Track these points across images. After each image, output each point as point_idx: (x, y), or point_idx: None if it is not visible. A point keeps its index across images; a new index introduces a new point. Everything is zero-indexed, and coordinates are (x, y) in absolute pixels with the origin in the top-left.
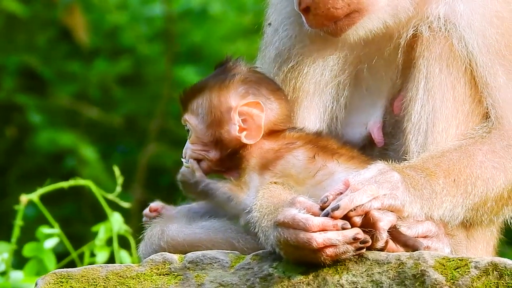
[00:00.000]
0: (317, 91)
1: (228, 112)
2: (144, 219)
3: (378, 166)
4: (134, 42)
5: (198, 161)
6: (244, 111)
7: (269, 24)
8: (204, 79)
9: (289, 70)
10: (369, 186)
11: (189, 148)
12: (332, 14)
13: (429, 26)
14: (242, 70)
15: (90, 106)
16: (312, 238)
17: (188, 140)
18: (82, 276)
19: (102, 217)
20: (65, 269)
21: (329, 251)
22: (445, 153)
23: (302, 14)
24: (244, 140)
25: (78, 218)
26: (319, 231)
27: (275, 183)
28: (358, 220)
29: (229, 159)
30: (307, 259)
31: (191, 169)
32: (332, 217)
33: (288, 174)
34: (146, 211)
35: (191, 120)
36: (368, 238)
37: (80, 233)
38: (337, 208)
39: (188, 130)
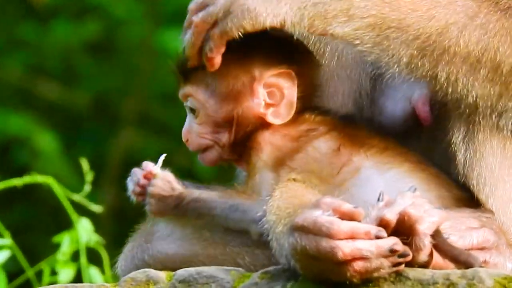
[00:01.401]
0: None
1: (250, 82)
2: (128, 179)
3: None
4: (104, 0)
5: (204, 149)
6: (272, 83)
7: None
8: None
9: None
10: None
11: (195, 132)
12: None
13: None
14: (267, 30)
15: (48, 82)
16: (337, 247)
17: (189, 122)
18: None
19: (64, 225)
20: None
21: (358, 266)
22: None
23: None
24: (270, 119)
25: (32, 226)
26: (347, 238)
27: (294, 180)
28: (392, 217)
29: (243, 145)
30: (329, 275)
31: (164, 180)
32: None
33: (309, 170)
34: (137, 170)
35: (197, 93)
36: (408, 250)
37: (35, 246)
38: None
39: (191, 109)
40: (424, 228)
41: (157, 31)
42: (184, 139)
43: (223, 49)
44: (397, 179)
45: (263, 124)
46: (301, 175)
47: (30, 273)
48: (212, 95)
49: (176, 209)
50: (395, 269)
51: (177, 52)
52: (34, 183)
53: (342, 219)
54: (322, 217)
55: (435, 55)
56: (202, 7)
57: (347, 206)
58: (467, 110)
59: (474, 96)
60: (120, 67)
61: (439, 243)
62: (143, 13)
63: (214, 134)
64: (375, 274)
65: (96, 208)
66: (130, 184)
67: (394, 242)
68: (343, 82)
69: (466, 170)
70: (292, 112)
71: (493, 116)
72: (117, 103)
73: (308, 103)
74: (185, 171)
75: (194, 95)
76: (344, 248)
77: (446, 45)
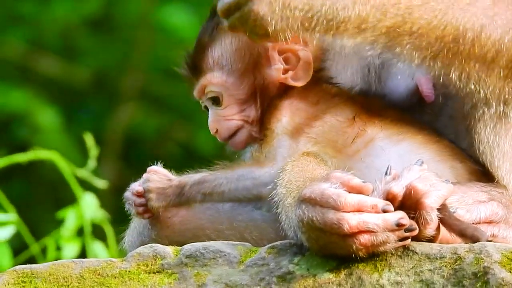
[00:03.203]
0: None
1: (265, 51)
2: (127, 205)
3: None
4: None
5: (234, 132)
6: (286, 48)
7: None
8: (208, 25)
9: None
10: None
11: (222, 118)
12: None
13: None
14: None
15: (48, 58)
16: (344, 219)
17: (213, 113)
18: (50, 274)
19: (68, 200)
20: (28, 266)
21: (364, 239)
22: None
23: None
24: (292, 82)
25: (35, 201)
26: (354, 211)
27: (307, 154)
28: (398, 190)
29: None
30: (335, 248)
31: (158, 173)
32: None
33: (326, 139)
34: (128, 194)
35: (214, 78)
36: (414, 224)
37: (39, 221)
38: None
39: (212, 100)
40: (431, 202)
41: (156, 6)
42: (212, 132)
43: None
44: (410, 150)
45: (285, 91)
46: (317, 146)
47: (34, 248)
48: (230, 74)
49: (179, 198)
50: (401, 243)
51: (181, 55)
52: (37, 159)
53: (350, 192)
54: (330, 189)
55: (449, 57)
56: None
57: (356, 181)
58: (474, 100)
59: (486, 91)
60: (120, 43)
61: (445, 217)
62: None
63: (241, 113)
64: (381, 248)
65: (101, 183)
66: (131, 209)
67: (400, 216)
68: (352, 58)
69: (478, 145)
70: (311, 73)
71: (502, 106)
72: (117, 79)
73: (321, 65)
74: (184, 146)
75: (212, 80)
76: (351, 221)
77: (461, 49)
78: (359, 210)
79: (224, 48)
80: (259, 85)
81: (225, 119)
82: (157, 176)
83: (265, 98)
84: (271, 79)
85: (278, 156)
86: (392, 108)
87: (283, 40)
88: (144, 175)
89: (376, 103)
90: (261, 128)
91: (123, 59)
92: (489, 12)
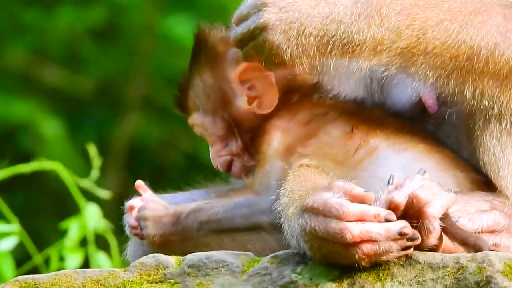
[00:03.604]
0: None
1: (228, 86)
2: (126, 227)
3: None
4: None
5: (229, 166)
6: (246, 77)
7: None
8: (186, 70)
9: None
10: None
11: (214, 155)
12: None
13: None
14: (222, 33)
15: (52, 67)
16: (346, 229)
17: (210, 150)
18: (53, 285)
19: (71, 211)
20: (31, 276)
21: (367, 248)
22: None
23: None
24: (258, 111)
25: (38, 212)
26: (356, 220)
27: (307, 166)
28: (401, 199)
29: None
30: (338, 258)
31: (154, 201)
32: (390, 202)
33: (323, 154)
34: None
35: (196, 119)
36: (417, 234)
37: (42, 232)
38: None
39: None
40: (433, 211)
41: (160, 16)
42: (215, 167)
43: None
44: (413, 159)
45: (267, 116)
46: (315, 160)
47: (38, 259)
48: (205, 114)
49: (175, 226)
50: (404, 252)
51: (173, 94)
52: (41, 169)
53: (353, 202)
54: (332, 199)
55: (463, 74)
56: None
57: (358, 190)
58: (488, 116)
59: (500, 107)
60: (124, 52)
61: (448, 226)
62: None
63: (226, 148)
64: (384, 258)
65: (104, 193)
66: (129, 230)
67: (403, 225)
68: (355, 68)
69: (482, 156)
70: (277, 97)
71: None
72: (121, 88)
73: (305, 78)
74: (188, 155)
75: (194, 122)
76: (353, 230)
77: (475, 66)
78: (361, 220)
79: (196, 90)
80: (232, 119)
81: (217, 156)
82: (154, 204)
83: (242, 130)
84: (240, 111)
85: (273, 181)
86: (394, 117)
87: (300, 67)
88: (140, 205)
89: (376, 113)
90: (253, 155)
91: (127, 68)
92: (502, 29)
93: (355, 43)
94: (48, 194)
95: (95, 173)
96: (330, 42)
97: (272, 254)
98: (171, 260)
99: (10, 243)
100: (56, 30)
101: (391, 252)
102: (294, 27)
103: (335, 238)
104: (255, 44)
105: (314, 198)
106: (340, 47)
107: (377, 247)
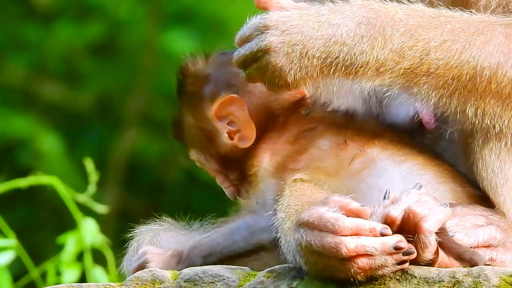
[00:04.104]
0: None
1: (209, 124)
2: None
3: None
4: (107, 1)
5: (237, 194)
6: (223, 114)
7: None
8: (175, 109)
9: None
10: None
11: (222, 186)
12: None
13: None
14: (197, 68)
15: (51, 83)
16: (342, 243)
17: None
18: None
19: (69, 225)
20: None
21: (362, 262)
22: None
23: None
24: (240, 145)
25: (36, 226)
26: (352, 235)
27: (302, 180)
28: (397, 214)
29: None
30: (334, 272)
31: (152, 253)
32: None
33: (314, 167)
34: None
35: (193, 155)
36: (413, 248)
37: (39, 246)
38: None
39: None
40: (429, 226)
41: (159, 31)
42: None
43: None
44: (412, 171)
45: (258, 138)
46: (307, 174)
47: (34, 273)
48: (199, 151)
49: (180, 266)
50: (399, 267)
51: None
52: (38, 184)
53: (349, 216)
54: (328, 213)
55: (465, 94)
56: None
57: (354, 204)
58: (489, 135)
59: (502, 126)
60: (122, 68)
61: (444, 240)
62: (146, 14)
63: (227, 180)
64: (380, 272)
65: (101, 208)
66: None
67: (398, 239)
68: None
69: (480, 172)
70: (254, 128)
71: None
72: (120, 104)
73: (274, 107)
74: (187, 171)
75: (192, 158)
76: (349, 244)
77: (477, 86)
78: (357, 234)
79: (185, 129)
80: (220, 155)
81: (223, 187)
82: (151, 255)
83: (234, 163)
84: (228, 147)
85: (268, 197)
86: (391, 129)
87: (304, 87)
88: (141, 259)
89: (371, 124)
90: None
91: (126, 84)
92: (504, 49)
93: (358, 64)
94: (45, 209)
95: (92, 188)
96: (333, 64)
97: (269, 269)
98: (167, 274)
99: (7, 257)
100: (55, 45)
101: (387, 267)
102: (297, 49)
103: (330, 252)
104: (258, 66)
105: (310, 212)
106: (343, 69)
107: (372, 261)
